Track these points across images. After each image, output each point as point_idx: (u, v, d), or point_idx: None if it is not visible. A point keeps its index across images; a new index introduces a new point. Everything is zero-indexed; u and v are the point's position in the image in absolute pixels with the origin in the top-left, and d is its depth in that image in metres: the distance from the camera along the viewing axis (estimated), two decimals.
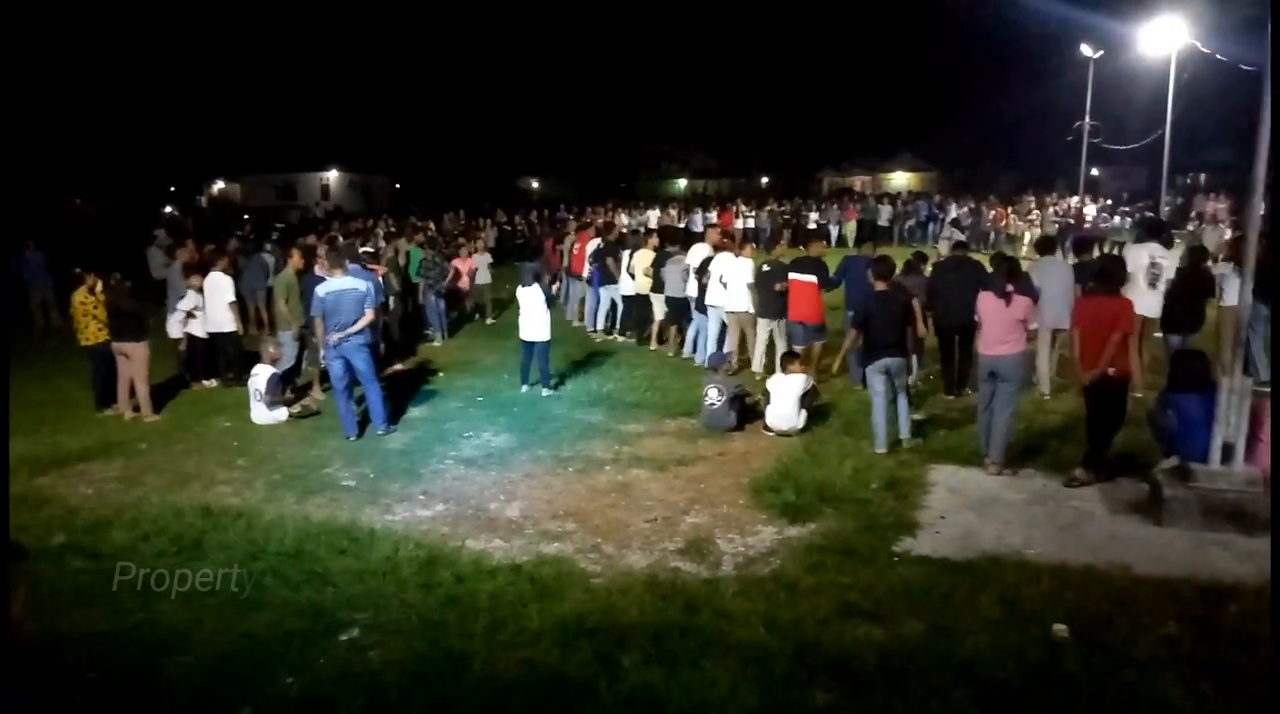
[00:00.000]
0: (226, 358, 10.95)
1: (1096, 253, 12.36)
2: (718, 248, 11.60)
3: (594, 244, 13.96)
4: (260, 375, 9.29)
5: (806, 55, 63.60)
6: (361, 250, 12.83)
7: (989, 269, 8.68)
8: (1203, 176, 43.76)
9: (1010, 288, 7.27)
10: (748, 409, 8.82)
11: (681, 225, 25.46)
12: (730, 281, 10.72)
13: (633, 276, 12.70)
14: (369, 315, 8.64)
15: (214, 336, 10.79)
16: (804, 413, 8.41)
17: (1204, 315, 9.40)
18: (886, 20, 61.38)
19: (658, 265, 12.16)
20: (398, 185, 55.94)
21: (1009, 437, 7.28)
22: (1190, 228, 22.64)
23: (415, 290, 14.14)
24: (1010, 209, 28.08)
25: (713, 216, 28.98)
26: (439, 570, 5.53)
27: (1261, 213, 6.37)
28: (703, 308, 11.36)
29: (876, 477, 7.06)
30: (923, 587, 5.17)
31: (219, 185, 56.07)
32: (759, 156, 61.77)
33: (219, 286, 10.70)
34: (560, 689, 4.27)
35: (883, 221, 29.04)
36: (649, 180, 61.13)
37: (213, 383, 10.88)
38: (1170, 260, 9.72)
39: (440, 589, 5.30)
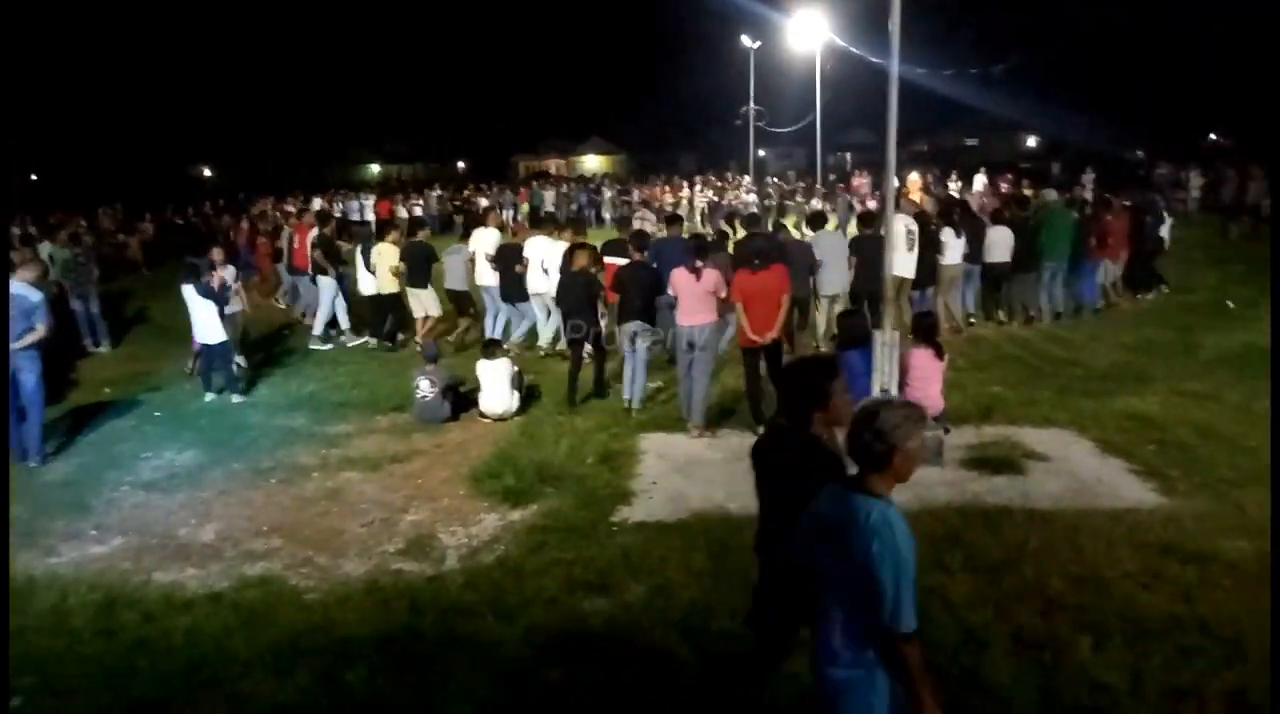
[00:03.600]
0: None
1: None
2: (515, 233, 11.11)
3: (314, 235, 12.53)
4: None
5: (500, 40, 63.63)
6: None
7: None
8: (849, 155, 49.70)
9: (699, 264, 7.77)
10: (462, 397, 8.70)
11: (338, 212, 24.54)
12: (551, 267, 10.25)
13: (373, 273, 11.44)
14: (40, 330, 7.54)
15: None
16: (517, 395, 8.45)
17: (936, 272, 10.97)
18: (577, 7, 62.99)
19: (419, 257, 11.31)
20: (35, 177, 47.98)
21: (707, 401, 7.83)
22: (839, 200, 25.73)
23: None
24: (663, 189, 30.63)
25: (369, 203, 28.15)
26: (121, 612, 4.91)
27: (896, 187, 7.36)
28: (509, 297, 10.86)
29: (591, 451, 7.28)
30: (641, 551, 5.42)
31: None
32: (455, 141, 60.95)
33: None
34: None
35: (548, 207, 29.98)
36: (339, 166, 57.90)
37: None
38: (916, 227, 11.01)
39: (125, 633, 4.70)
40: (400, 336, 11.73)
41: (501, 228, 12.01)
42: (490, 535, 5.88)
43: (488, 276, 11.13)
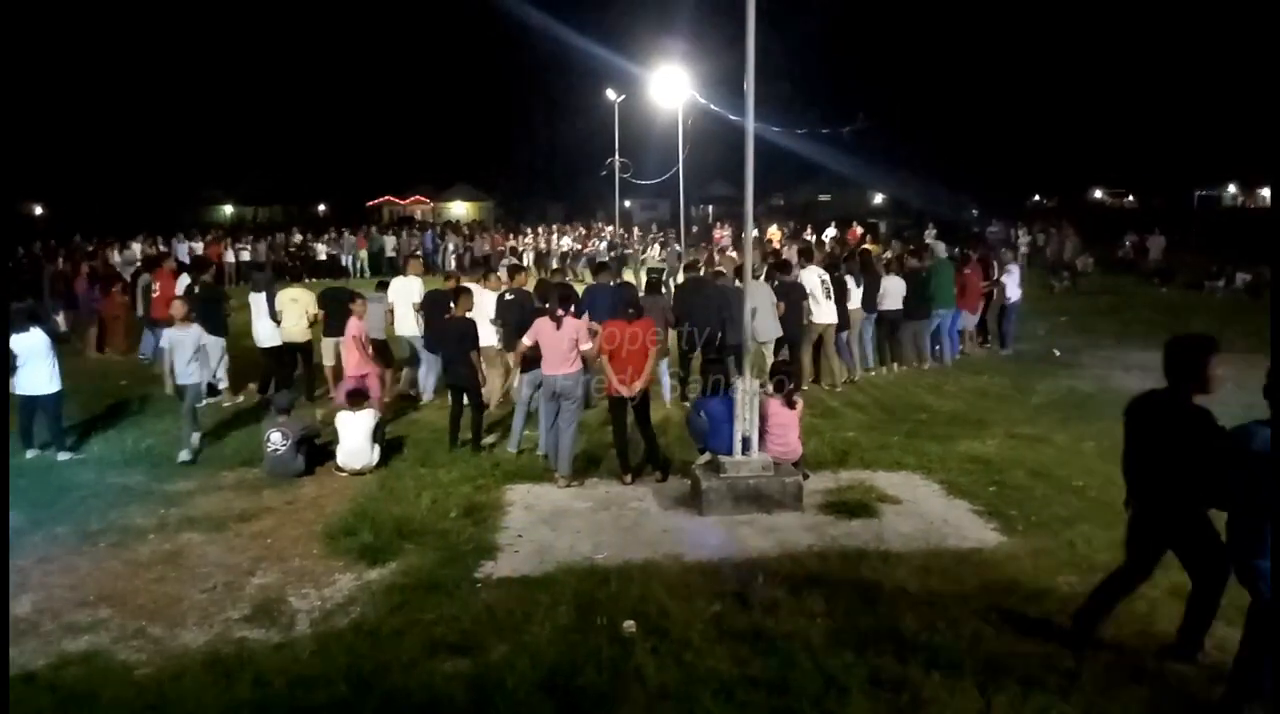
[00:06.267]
0: None
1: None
2: (445, 278, 10.79)
3: (185, 283, 11.60)
4: None
5: (366, 82, 62.57)
6: None
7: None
8: (710, 207, 51.39)
9: (561, 313, 7.74)
10: (318, 450, 8.32)
11: (165, 251, 23.59)
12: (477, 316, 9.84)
13: (278, 323, 10.67)
14: None
15: None
16: (377, 448, 8.15)
17: (849, 316, 11.45)
18: (447, 52, 62.84)
19: (340, 302, 10.49)
20: None
21: (574, 450, 7.78)
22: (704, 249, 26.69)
23: None
24: (508, 237, 31.68)
25: (199, 247, 26.97)
26: None
27: (755, 236, 7.62)
28: (433, 347, 10.39)
29: (455, 505, 7.07)
30: (506, 608, 5.27)
31: None
32: (317, 183, 59.14)
33: None
34: None
35: (389, 252, 29.62)
36: (190, 206, 54.73)
37: None
38: (829, 277, 11.40)
39: None
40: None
41: (422, 274, 11.60)
42: (345, 597, 5.59)
43: (410, 325, 10.77)
